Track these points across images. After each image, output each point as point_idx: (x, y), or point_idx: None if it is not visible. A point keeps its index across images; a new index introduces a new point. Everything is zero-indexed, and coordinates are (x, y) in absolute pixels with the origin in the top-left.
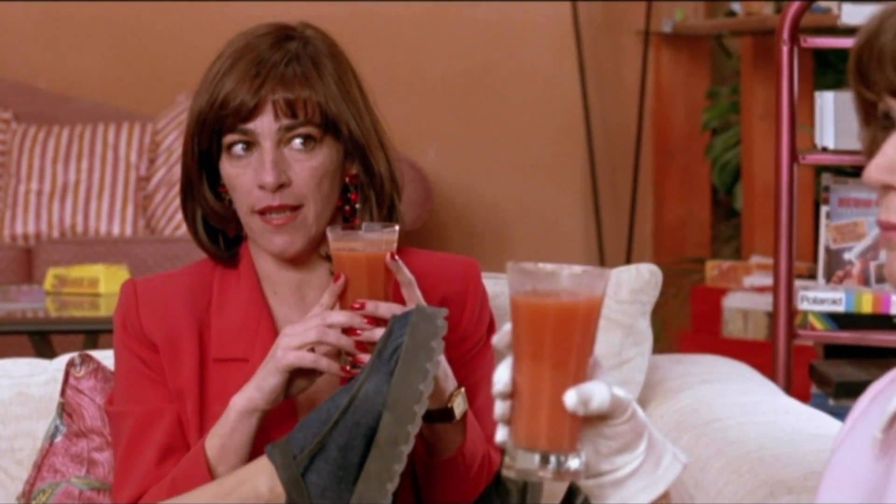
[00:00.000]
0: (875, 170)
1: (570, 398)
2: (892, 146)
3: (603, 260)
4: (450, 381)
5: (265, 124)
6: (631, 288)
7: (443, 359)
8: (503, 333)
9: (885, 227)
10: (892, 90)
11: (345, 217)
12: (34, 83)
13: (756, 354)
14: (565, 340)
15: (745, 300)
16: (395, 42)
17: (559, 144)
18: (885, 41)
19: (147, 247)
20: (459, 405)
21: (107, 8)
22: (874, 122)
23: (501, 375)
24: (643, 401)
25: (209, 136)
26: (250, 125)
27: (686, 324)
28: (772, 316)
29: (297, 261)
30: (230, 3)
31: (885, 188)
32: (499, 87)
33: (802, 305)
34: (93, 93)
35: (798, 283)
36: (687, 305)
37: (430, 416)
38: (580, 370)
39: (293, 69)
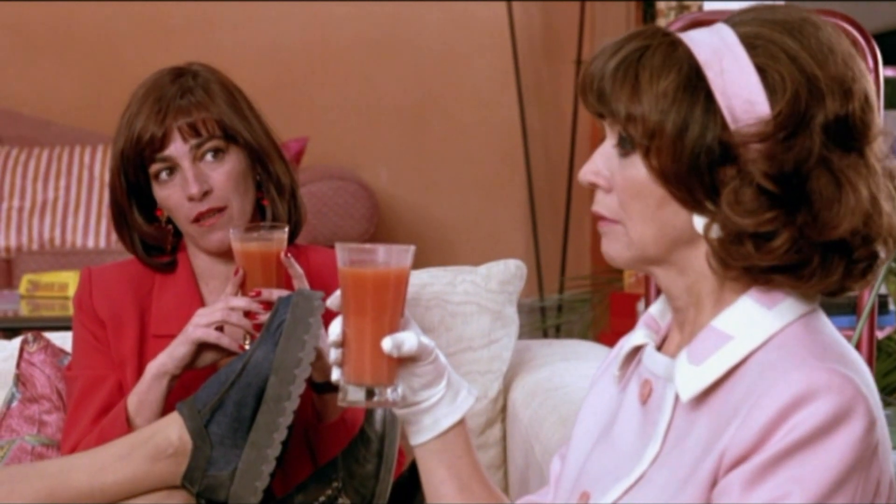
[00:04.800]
0: (584, 173)
1: (387, 343)
2: (599, 155)
3: (539, 270)
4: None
5: (177, 148)
6: (499, 280)
7: (324, 334)
8: (335, 297)
9: (596, 217)
10: (596, 112)
11: (262, 209)
12: (18, 109)
13: None
14: (381, 300)
15: None
16: (349, 71)
17: (500, 164)
18: (590, 73)
19: (117, 258)
20: None
21: (84, 40)
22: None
23: (334, 328)
24: (513, 374)
25: (135, 170)
26: (166, 152)
27: (608, 325)
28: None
29: (227, 256)
30: (194, 35)
31: (593, 186)
32: (445, 113)
33: None
34: (71, 118)
35: None
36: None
37: (320, 388)
38: (394, 323)
39: (188, 99)
